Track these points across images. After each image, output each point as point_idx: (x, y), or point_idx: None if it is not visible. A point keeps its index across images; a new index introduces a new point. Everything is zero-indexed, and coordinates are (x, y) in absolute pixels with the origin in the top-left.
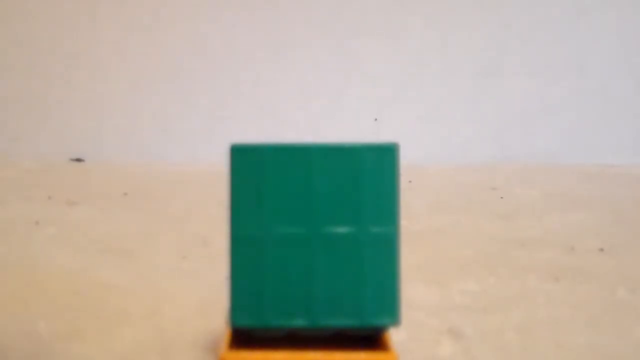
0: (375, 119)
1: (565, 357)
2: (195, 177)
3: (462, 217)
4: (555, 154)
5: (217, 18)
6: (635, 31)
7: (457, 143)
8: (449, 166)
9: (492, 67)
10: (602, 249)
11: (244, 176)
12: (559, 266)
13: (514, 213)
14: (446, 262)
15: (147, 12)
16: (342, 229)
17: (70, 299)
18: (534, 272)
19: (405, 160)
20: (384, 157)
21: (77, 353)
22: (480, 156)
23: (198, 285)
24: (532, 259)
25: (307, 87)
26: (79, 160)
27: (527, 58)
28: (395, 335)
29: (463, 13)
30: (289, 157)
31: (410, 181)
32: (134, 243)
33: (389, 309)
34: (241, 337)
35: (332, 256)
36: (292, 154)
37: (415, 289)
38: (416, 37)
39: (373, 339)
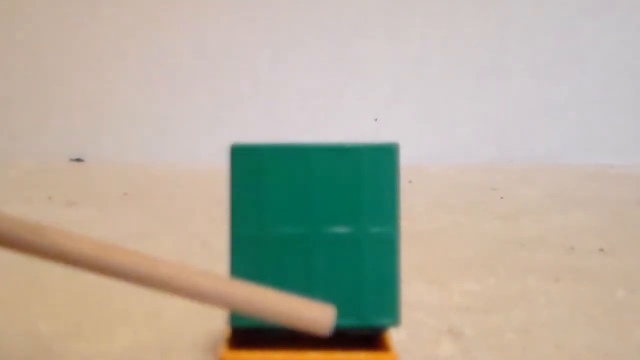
0: (375, 119)
1: (565, 358)
2: (195, 177)
3: (462, 217)
4: (556, 154)
5: (217, 18)
6: (635, 31)
7: (457, 143)
8: (449, 166)
9: (492, 67)
10: (602, 249)
11: (244, 176)
12: (559, 266)
13: (514, 213)
14: (446, 262)
15: (147, 12)
16: (342, 229)
17: (70, 299)
18: (534, 272)
19: (405, 160)
20: (384, 157)
21: (77, 353)
22: (480, 156)
23: None
24: (532, 259)
25: (307, 88)
26: (79, 160)
27: (528, 58)
28: (395, 335)
29: (463, 13)
30: (289, 157)
31: (410, 181)
32: (134, 243)
33: (389, 309)
34: (241, 337)
35: (332, 256)
36: (292, 154)
37: (415, 289)
38: (416, 37)
39: (373, 339)
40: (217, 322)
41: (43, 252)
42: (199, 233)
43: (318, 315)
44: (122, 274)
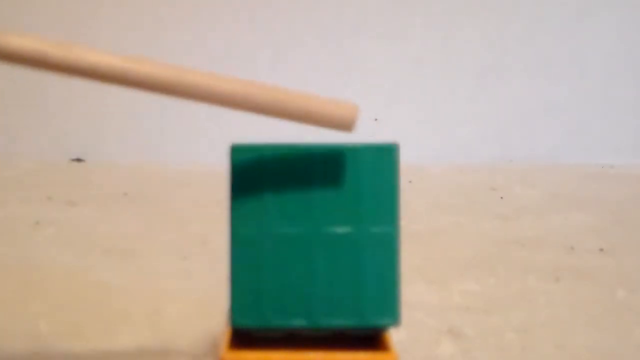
0: (376, 119)
1: (564, 358)
2: (195, 177)
3: (462, 217)
4: (556, 154)
5: (217, 18)
6: (635, 31)
7: (457, 143)
8: (449, 166)
9: (492, 67)
10: (602, 249)
11: (244, 176)
12: (559, 266)
13: (514, 213)
14: (446, 262)
15: (147, 12)
16: (342, 229)
17: (70, 299)
18: (534, 272)
19: (405, 160)
20: (384, 157)
21: (77, 352)
22: (480, 156)
23: (198, 285)
24: (532, 259)
25: (307, 87)
26: (79, 160)
27: (528, 58)
28: (395, 335)
29: (463, 13)
30: (289, 157)
31: (410, 181)
32: (134, 243)
33: (389, 309)
34: (241, 337)
35: (332, 256)
36: (292, 154)
37: (415, 289)
38: (416, 37)
39: (373, 339)
40: (217, 322)
41: (71, 67)
42: (199, 233)
43: (343, 111)
44: (150, 84)
